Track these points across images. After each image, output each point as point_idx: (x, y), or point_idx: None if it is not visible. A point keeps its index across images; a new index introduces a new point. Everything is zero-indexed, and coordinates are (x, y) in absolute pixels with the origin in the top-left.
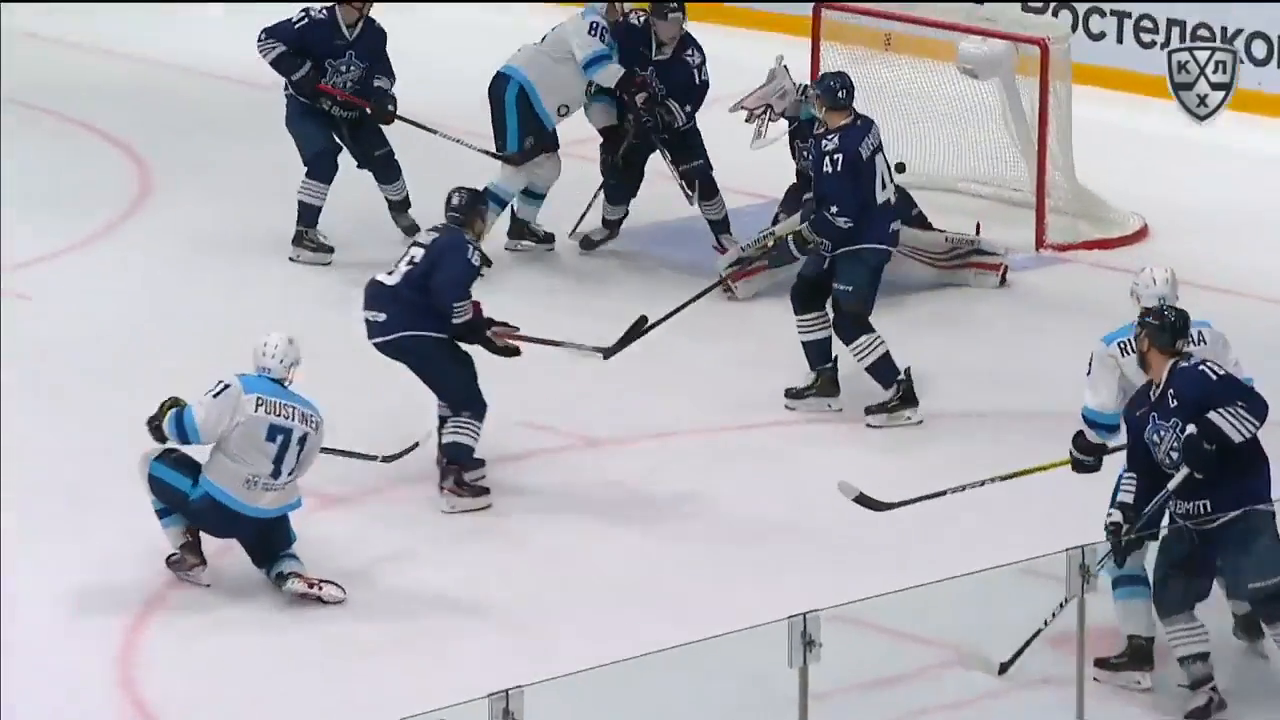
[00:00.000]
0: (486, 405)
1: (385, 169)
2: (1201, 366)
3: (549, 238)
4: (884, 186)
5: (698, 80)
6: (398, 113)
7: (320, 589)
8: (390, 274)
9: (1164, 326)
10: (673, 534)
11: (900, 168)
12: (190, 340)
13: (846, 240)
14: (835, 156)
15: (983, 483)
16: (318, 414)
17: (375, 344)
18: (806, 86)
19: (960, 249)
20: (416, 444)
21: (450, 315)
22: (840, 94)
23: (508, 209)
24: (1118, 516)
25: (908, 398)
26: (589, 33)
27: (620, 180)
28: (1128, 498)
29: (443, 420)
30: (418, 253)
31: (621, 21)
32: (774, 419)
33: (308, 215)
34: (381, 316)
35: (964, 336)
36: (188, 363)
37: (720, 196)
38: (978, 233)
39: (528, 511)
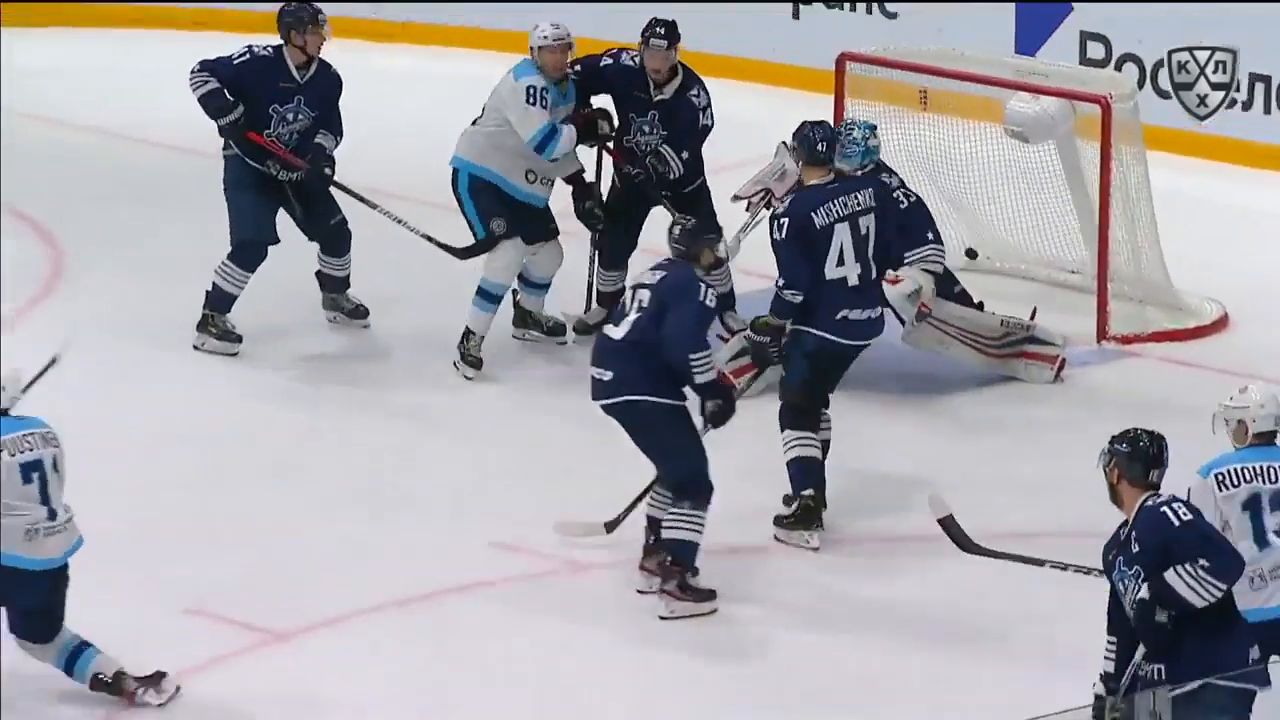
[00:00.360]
0: (713, 490)
1: (336, 240)
2: (1164, 508)
3: (558, 329)
4: (840, 263)
5: (702, 122)
6: (335, 178)
7: (158, 685)
8: (618, 325)
9: (1136, 454)
10: (673, 669)
11: (971, 254)
12: (101, 440)
13: (798, 318)
14: (781, 221)
15: (1089, 571)
16: (49, 426)
17: (600, 406)
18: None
19: (1014, 334)
20: (54, 359)
21: (689, 372)
22: (820, 147)
23: (508, 297)
24: (1100, 688)
25: (806, 518)
26: (527, 101)
27: (612, 236)
28: (1109, 665)
29: (652, 522)
30: (644, 296)
31: (613, 64)
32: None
33: (220, 301)
34: (607, 375)
35: (1014, 441)
36: (95, 468)
37: (727, 268)
38: (1032, 317)
39: (505, 649)
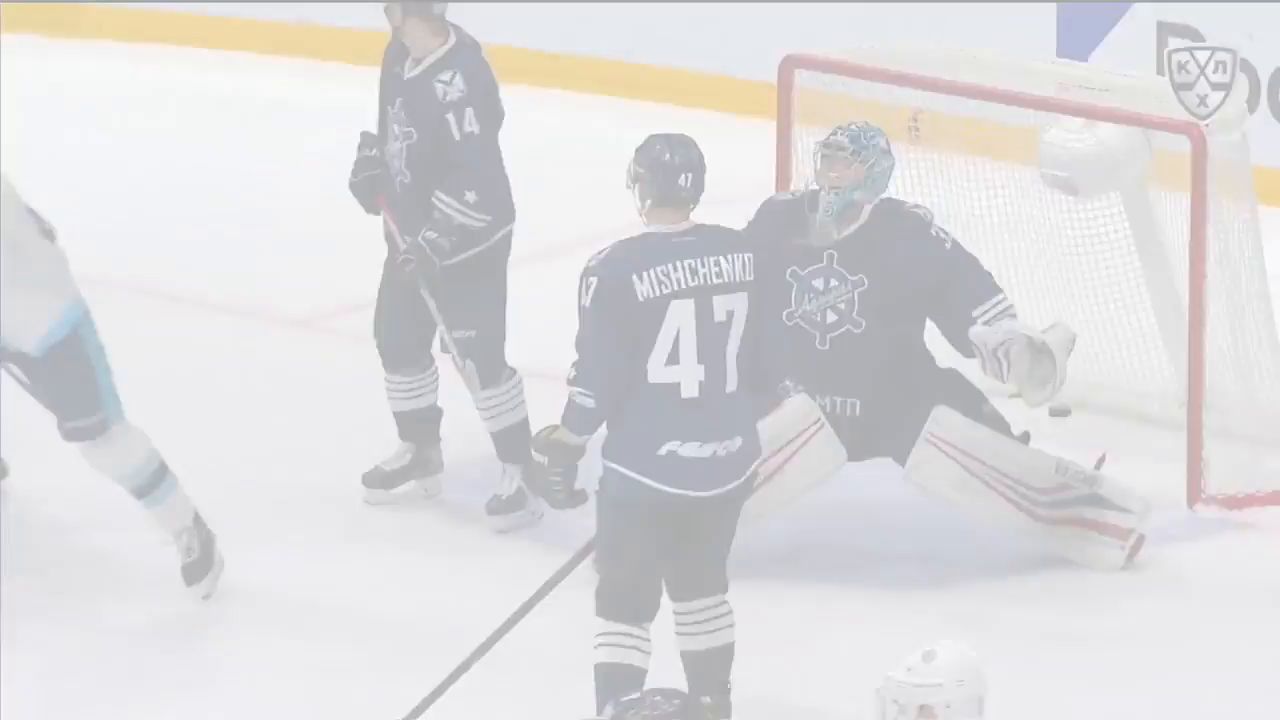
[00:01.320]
0: None
1: None
2: None
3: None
4: (673, 360)
5: (457, 130)
6: None
7: None
8: None
9: None
10: None
11: (1061, 412)
12: None
13: (608, 445)
14: (589, 281)
15: None
16: None
17: None
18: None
19: (1073, 488)
20: None
21: None
22: (681, 180)
23: None
24: None
25: None
26: None
27: (382, 330)
28: None
29: None
30: None
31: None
32: None
33: None
34: None
35: (1065, 661)
36: None
37: (512, 386)
38: (1098, 466)
39: None
